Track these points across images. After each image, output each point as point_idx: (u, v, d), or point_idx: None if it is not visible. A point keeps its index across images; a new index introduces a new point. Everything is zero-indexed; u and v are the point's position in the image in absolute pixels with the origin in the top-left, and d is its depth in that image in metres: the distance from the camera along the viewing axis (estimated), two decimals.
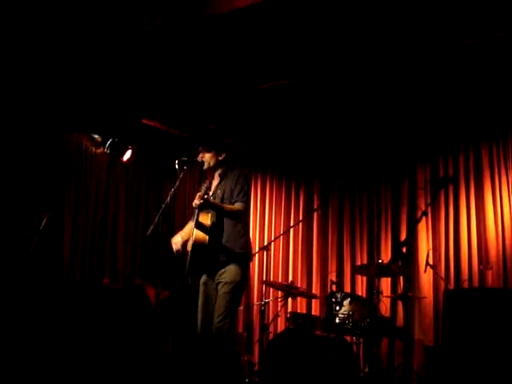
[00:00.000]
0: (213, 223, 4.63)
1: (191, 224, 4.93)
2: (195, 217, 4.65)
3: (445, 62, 5.82)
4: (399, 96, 6.62)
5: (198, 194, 4.58)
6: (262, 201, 7.98)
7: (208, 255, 4.61)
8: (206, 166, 4.85)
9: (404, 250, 5.35)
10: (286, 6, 5.01)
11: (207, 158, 4.82)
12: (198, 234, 4.59)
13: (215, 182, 4.84)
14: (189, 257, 4.73)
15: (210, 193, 4.73)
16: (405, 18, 5.13)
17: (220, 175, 4.77)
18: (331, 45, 5.65)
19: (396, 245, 5.35)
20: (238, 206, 4.64)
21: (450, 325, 5.59)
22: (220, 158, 4.82)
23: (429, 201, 6.73)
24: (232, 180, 4.74)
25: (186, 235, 4.83)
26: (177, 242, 4.81)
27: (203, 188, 4.72)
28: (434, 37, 5.38)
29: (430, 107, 6.73)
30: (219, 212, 4.64)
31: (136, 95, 6.90)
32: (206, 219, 4.63)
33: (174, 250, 4.83)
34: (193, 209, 4.88)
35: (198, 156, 4.86)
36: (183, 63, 6.15)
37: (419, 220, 4.58)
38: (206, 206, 4.55)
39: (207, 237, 4.58)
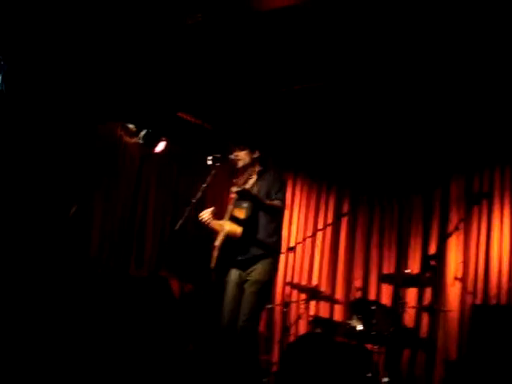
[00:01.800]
0: (248, 217, 4.61)
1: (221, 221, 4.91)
2: (230, 211, 4.62)
3: (482, 74, 5.71)
4: (437, 107, 6.50)
5: (237, 183, 4.56)
6: (291, 201, 7.92)
7: (239, 249, 4.59)
8: (240, 164, 4.83)
9: (433, 262, 5.25)
10: (328, 7, 4.97)
11: (241, 156, 4.80)
12: (231, 227, 4.56)
13: (250, 181, 4.79)
14: (216, 251, 4.71)
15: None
16: (445, 25, 5.05)
17: (256, 173, 4.71)
18: (369, 49, 5.58)
19: (426, 257, 5.28)
20: (277, 202, 4.62)
21: (474, 340, 5.53)
22: (254, 156, 4.80)
23: (461, 214, 6.63)
24: (269, 179, 4.72)
25: (217, 224, 4.79)
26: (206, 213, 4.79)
27: (244, 178, 4.66)
28: (472, 46, 5.29)
29: (470, 120, 6.61)
30: (258, 205, 4.59)
31: (173, 88, 6.91)
32: (241, 213, 4.61)
33: (205, 219, 4.80)
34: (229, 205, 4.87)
35: (231, 154, 4.84)
36: (221, 59, 6.13)
37: (451, 234, 4.50)
38: (245, 195, 4.52)
39: (240, 230, 4.55)
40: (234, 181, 4.94)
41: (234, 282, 4.71)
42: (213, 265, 4.75)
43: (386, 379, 5.60)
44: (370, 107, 6.73)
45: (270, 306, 7.28)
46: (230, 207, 4.67)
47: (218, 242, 4.70)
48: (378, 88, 6.25)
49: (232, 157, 4.85)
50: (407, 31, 5.16)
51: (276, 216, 4.71)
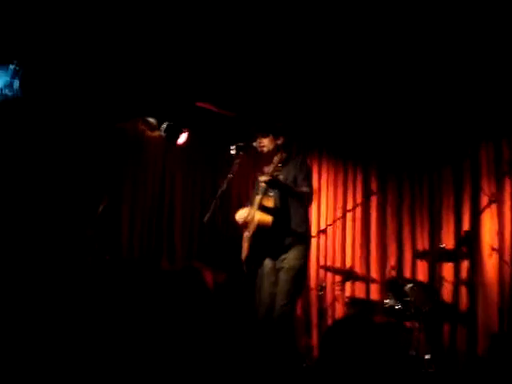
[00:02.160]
0: (276, 206, 4.57)
1: (247, 210, 4.87)
2: (259, 199, 4.57)
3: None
4: (458, 75, 6.37)
5: (265, 172, 4.51)
6: (319, 183, 7.81)
7: (271, 239, 4.56)
8: (264, 151, 4.78)
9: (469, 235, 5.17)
10: None
11: (266, 143, 4.75)
12: (262, 217, 4.51)
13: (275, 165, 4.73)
14: (247, 243, 4.68)
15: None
16: None
17: (281, 159, 4.65)
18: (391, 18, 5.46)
19: (465, 233, 5.18)
20: (305, 189, 4.57)
21: None
22: (279, 143, 4.75)
23: (492, 183, 6.49)
24: (295, 166, 4.68)
25: (247, 215, 4.76)
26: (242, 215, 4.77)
27: (271, 167, 4.59)
28: None
29: (490, 86, 6.46)
30: (287, 192, 4.56)
31: (191, 77, 6.86)
32: (269, 202, 4.57)
33: (239, 219, 4.78)
34: (255, 190, 4.83)
35: (254, 141, 4.79)
36: (237, 44, 6.06)
37: (485, 208, 4.39)
38: (275, 184, 4.48)
39: (271, 219, 4.51)
40: (262, 170, 4.89)
41: (267, 272, 4.68)
42: (244, 256, 4.72)
43: (427, 356, 5.55)
44: (394, 80, 6.62)
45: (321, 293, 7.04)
46: (258, 197, 4.62)
47: (248, 233, 4.66)
48: (400, 59, 6.13)
49: (256, 144, 4.80)
50: None
51: (304, 203, 4.67)
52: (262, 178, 4.48)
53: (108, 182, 7.17)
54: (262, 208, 4.53)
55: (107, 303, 6.17)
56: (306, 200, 4.66)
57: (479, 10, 5.18)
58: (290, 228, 4.57)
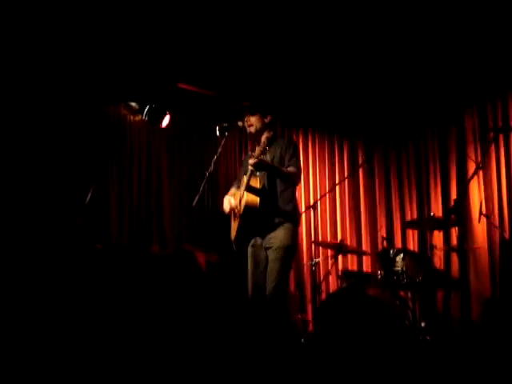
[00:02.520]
0: (263, 186, 4.56)
1: (234, 190, 4.87)
2: (246, 180, 4.55)
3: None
4: (436, 39, 6.32)
5: (252, 154, 4.48)
6: (305, 159, 7.82)
7: (259, 219, 4.55)
8: (252, 130, 4.73)
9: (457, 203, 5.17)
10: None
11: (253, 122, 4.70)
12: (250, 197, 4.50)
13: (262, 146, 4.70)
14: (236, 223, 4.67)
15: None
16: None
17: (268, 139, 4.60)
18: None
19: (454, 201, 5.17)
20: (292, 169, 4.55)
21: (507, 276, 5.48)
22: (266, 121, 4.71)
23: (478, 149, 6.50)
24: (282, 146, 4.64)
25: (235, 198, 4.76)
26: (228, 203, 4.76)
27: (258, 149, 4.54)
28: None
29: (473, 49, 6.43)
30: (275, 173, 4.54)
31: (171, 59, 6.80)
32: (256, 182, 4.56)
33: (226, 209, 4.78)
34: (243, 169, 4.82)
35: (242, 120, 4.76)
36: (213, 23, 6.00)
37: (474, 174, 4.39)
38: (262, 167, 4.45)
39: (258, 199, 4.50)
40: (250, 151, 4.86)
41: (255, 249, 4.68)
42: (233, 236, 4.72)
43: (423, 324, 5.59)
44: (376, 48, 6.57)
45: (316, 261, 7.04)
46: (245, 177, 4.60)
47: (237, 213, 4.65)
48: (381, 27, 6.10)
49: (244, 123, 4.77)
50: None
51: (292, 183, 4.66)
52: (250, 161, 4.44)
53: (94, 168, 7.13)
54: (250, 189, 4.51)
55: (99, 292, 6.16)
56: (293, 180, 4.64)
57: None
58: (277, 207, 4.56)
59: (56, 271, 6.09)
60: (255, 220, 4.55)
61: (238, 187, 4.85)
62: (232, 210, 4.74)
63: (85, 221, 6.13)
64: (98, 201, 7.02)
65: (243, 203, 4.50)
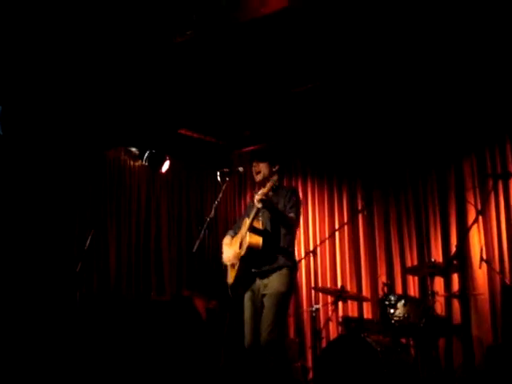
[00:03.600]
0: (265, 229, 4.56)
1: (229, 239, 4.85)
2: (249, 221, 4.54)
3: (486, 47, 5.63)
4: (438, 88, 6.42)
5: (259, 193, 4.48)
6: (305, 204, 7.83)
7: (259, 262, 4.53)
8: (260, 178, 4.76)
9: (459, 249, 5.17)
10: (314, 8, 4.92)
11: (261, 169, 4.73)
12: (253, 238, 4.48)
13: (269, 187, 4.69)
14: (235, 267, 4.64)
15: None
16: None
17: (274, 185, 4.60)
18: (363, 43, 5.51)
19: (456, 247, 5.17)
20: (292, 215, 4.56)
21: (509, 321, 5.44)
22: (274, 170, 4.73)
23: (477, 195, 6.53)
24: (286, 195, 4.66)
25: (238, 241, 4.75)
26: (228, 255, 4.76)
27: (264, 189, 4.50)
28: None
29: (472, 98, 6.53)
30: (277, 215, 4.53)
31: (171, 106, 6.87)
32: (259, 224, 4.57)
33: (226, 261, 4.77)
34: (240, 220, 4.82)
35: (243, 166, 4.80)
36: (215, 71, 6.08)
37: (475, 220, 4.40)
38: (268, 203, 4.45)
39: (261, 240, 4.49)
40: (253, 195, 4.87)
41: (251, 296, 4.65)
42: (231, 281, 4.67)
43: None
44: (373, 96, 6.66)
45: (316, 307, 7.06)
46: (247, 219, 4.60)
47: (231, 260, 4.64)
48: (378, 75, 6.18)
49: (245, 169, 4.80)
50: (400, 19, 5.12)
51: (291, 230, 4.65)
52: (257, 197, 4.45)
53: (93, 213, 7.13)
54: (253, 230, 4.51)
55: (98, 339, 6.10)
56: (291, 225, 4.65)
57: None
58: (275, 253, 4.55)
59: (54, 317, 6.05)
60: (255, 263, 4.53)
61: (234, 235, 4.85)
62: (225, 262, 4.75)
63: (83, 266, 6.09)
64: (97, 246, 7.00)
65: (246, 244, 4.48)
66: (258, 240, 4.49)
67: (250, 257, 4.52)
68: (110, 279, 7.20)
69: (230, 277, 4.71)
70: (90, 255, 6.63)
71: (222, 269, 4.92)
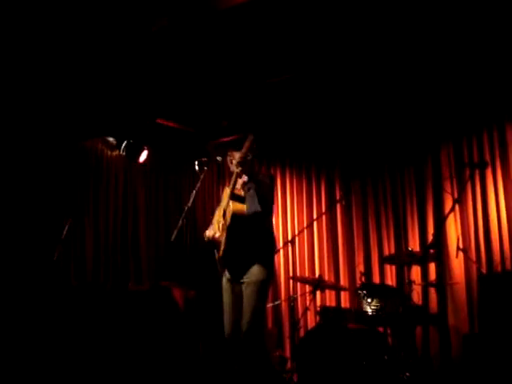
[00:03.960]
0: (245, 196, 4.54)
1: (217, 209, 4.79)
2: (229, 190, 4.50)
3: (463, 40, 5.65)
4: (416, 77, 6.43)
5: (237, 157, 4.45)
6: (283, 194, 7.84)
7: (247, 228, 4.48)
8: (231, 168, 4.72)
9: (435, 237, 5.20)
10: None
11: (237, 158, 4.70)
12: (236, 205, 4.45)
13: (241, 181, 4.67)
14: (224, 234, 4.55)
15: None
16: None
17: (250, 148, 4.54)
18: (345, 33, 5.50)
19: (433, 236, 5.21)
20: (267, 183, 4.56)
21: (485, 310, 5.48)
22: (249, 158, 4.70)
23: (454, 184, 6.58)
24: (258, 181, 4.62)
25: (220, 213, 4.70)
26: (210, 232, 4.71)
27: (243, 150, 4.49)
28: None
29: (450, 87, 6.55)
30: (255, 182, 4.50)
31: (148, 95, 6.81)
32: (240, 191, 4.54)
33: (207, 235, 4.71)
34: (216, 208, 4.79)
35: (221, 155, 4.76)
36: (192, 61, 6.04)
37: (452, 209, 4.41)
38: (247, 167, 4.47)
39: (244, 206, 4.47)
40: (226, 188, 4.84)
41: (230, 285, 4.61)
42: (220, 252, 4.59)
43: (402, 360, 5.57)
44: (350, 86, 6.65)
45: (276, 303, 7.24)
46: (227, 189, 4.57)
47: (227, 223, 4.54)
48: (355, 66, 6.17)
49: (223, 158, 4.76)
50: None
51: (266, 215, 4.62)
52: (235, 161, 4.44)
53: (70, 203, 7.07)
54: (235, 197, 4.47)
55: (77, 329, 6.05)
56: (267, 205, 4.61)
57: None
58: (250, 242, 4.52)
59: (31, 307, 5.99)
60: (244, 230, 4.47)
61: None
62: (209, 239, 4.66)
63: (60, 256, 6.04)
64: (74, 236, 6.95)
65: (230, 212, 4.44)
66: (241, 206, 4.46)
67: (236, 224, 4.45)
68: (87, 268, 7.16)
69: (221, 247, 4.64)
70: (68, 244, 6.58)
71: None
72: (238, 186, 4.60)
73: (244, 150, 4.42)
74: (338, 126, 7.48)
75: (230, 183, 4.57)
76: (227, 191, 4.57)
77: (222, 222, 4.57)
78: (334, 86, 6.63)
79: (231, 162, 4.74)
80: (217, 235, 4.62)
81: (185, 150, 8.18)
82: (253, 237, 4.51)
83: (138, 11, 5.17)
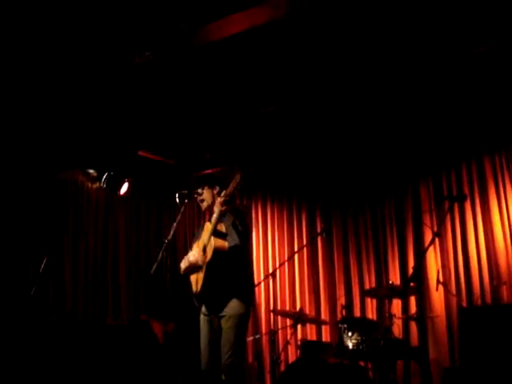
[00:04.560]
0: (227, 232, 4.52)
1: (196, 243, 4.76)
2: (212, 226, 4.48)
3: (440, 77, 5.76)
4: (395, 112, 6.53)
5: (222, 195, 4.43)
6: (264, 227, 7.85)
7: (226, 264, 4.46)
8: (205, 205, 4.74)
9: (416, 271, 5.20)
10: (274, 31, 4.97)
11: (204, 196, 4.72)
12: (218, 242, 4.42)
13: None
14: (201, 274, 4.52)
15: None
16: (390, 37, 5.13)
17: (236, 187, 4.53)
18: (325, 67, 5.58)
19: (413, 269, 5.22)
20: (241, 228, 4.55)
21: (466, 344, 5.47)
22: (215, 192, 4.71)
23: (434, 217, 6.63)
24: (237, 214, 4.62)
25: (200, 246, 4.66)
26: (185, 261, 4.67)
27: (228, 189, 4.46)
28: (423, 53, 5.36)
29: (429, 123, 6.65)
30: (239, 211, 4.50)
31: (130, 128, 6.82)
32: (222, 227, 4.51)
33: (182, 267, 4.67)
34: (197, 234, 4.76)
35: (195, 197, 4.77)
36: (174, 93, 6.08)
37: (432, 242, 4.44)
38: (231, 204, 4.46)
39: (226, 243, 4.45)
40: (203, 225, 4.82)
41: (208, 319, 4.58)
42: (198, 289, 4.55)
43: None
44: (332, 121, 6.73)
45: (257, 336, 7.18)
46: (209, 224, 4.54)
47: (207, 259, 4.50)
48: (341, 100, 6.25)
49: (198, 201, 4.78)
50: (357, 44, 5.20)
51: (245, 250, 4.61)
52: (220, 199, 4.42)
53: (49, 236, 6.99)
54: (217, 233, 4.45)
55: (54, 365, 5.96)
56: (245, 246, 4.61)
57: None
58: (230, 276, 4.50)
59: (9, 343, 5.89)
60: (224, 266, 4.44)
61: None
62: (191, 265, 4.61)
63: (38, 290, 5.96)
64: (53, 270, 6.86)
65: (211, 248, 4.40)
66: (223, 243, 4.44)
67: (217, 260, 4.42)
68: (66, 303, 7.06)
69: (195, 284, 4.61)
70: (46, 279, 6.49)
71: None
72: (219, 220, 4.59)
73: (230, 189, 4.41)
74: (319, 159, 7.53)
75: (211, 219, 4.56)
76: (208, 226, 4.56)
77: (202, 255, 4.54)
78: (316, 119, 6.71)
79: (200, 202, 4.77)
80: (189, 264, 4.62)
81: (167, 182, 8.17)
82: (232, 272, 4.50)
83: (122, 44, 5.21)
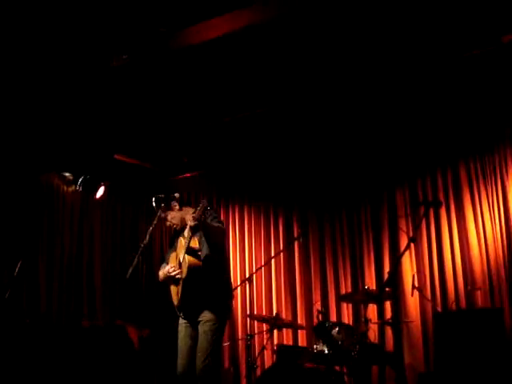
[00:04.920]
0: (201, 248, 4.56)
1: (173, 255, 4.77)
2: (185, 243, 4.50)
3: (416, 85, 5.81)
4: (371, 120, 6.57)
5: (192, 216, 4.43)
6: (241, 232, 7.85)
7: (202, 279, 4.47)
8: (178, 224, 4.79)
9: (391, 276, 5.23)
10: (253, 36, 4.99)
11: (173, 219, 4.76)
12: (191, 259, 4.48)
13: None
14: (179, 288, 4.55)
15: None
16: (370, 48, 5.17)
17: (205, 208, 4.55)
18: (304, 70, 5.60)
19: (388, 274, 5.26)
20: (217, 224, 4.61)
21: (440, 349, 5.52)
22: (177, 207, 4.75)
23: (410, 223, 6.68)
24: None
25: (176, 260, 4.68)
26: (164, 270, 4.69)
27: (198, 209, 4.47)
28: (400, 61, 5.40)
29: (404, 130, 6.70)
30: (211, 231, 4.51)
31: (107, 131, 6.78)
32: (195, 243, 4.55)
33: (161, 275, 4.69)
34: (176, 238, 4.76)
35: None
36: (151, 97, 6.06)
37: (407, 248, 4.47)
38: (200, 226, 4.43)
39: (200, 259, 4.51)
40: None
41: (185, 325, 4.59)
42: (176, 302, 4.59)
43: None
44: (310, 127, 6.75)
45: (228, 343, 7.18)
46: (183, 240, 4.57)
47: (183, 275, 4.53)
48: (320, 106, 6.28)
49: (168, 224, 4.81)
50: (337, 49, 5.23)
51: (221, 240, 4.66)
52: (191, 223, 4.43)
53: (23, 239, 6.91)
54: (190, 251, 4.48)
55: (29, 366, 5.90)
56: (222, 233, 4.69)
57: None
58: (208, 282, 4.52)
59: None
60: (199, 281, 4.47)
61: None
62: (169, 277, 4.63)
63: (12, 294, 5.89)
64: (28, 273, 6.78)
65: (186, 265, 4.44)
66: (196, 261, 4.50)
67: (192, 276, 4.47)
68: (40, 305, 6.98)
69: (175, 296, 4.65)
70: (20, 282, 6.42)
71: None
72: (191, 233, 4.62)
73: (198, 213, 4.40)
74: (296, 164, 7.54)
75: (185, 233, 4.59)
76: (182, 242, 4.60)
77: (178, 270, 4.57)
78: (293, 125, 6.72)
79: (172, 226, 4.83)
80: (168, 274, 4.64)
81: (143, 186, 8.12)
82: (208, 286, 4.53)
83: (97, 47, 5.18)
